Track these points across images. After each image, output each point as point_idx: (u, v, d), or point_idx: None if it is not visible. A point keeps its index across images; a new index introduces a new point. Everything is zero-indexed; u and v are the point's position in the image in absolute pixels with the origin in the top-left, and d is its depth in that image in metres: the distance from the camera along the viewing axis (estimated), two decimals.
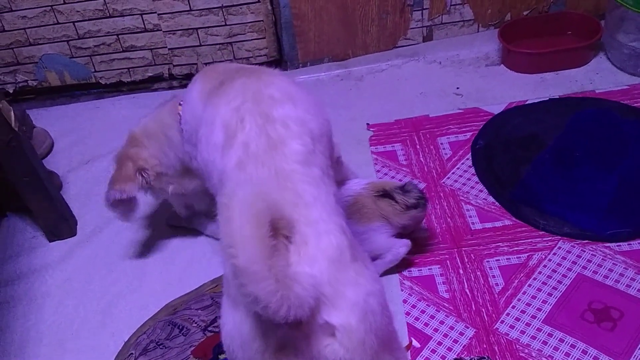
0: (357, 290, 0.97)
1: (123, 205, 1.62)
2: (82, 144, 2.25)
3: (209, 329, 1.56)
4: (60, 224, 1.88)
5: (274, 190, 0.99)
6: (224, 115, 1.12)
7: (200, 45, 2.36)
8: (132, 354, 1.54)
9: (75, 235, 1.91)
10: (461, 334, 1.49)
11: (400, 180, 1.89)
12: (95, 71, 2.44)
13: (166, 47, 2.37)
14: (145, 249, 1.83)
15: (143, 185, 1.61)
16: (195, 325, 1.57)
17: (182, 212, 1.80)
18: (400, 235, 1.60)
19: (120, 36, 2.35)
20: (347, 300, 0.95)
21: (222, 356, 1.48)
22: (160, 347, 1.54)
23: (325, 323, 0.94)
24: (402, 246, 1.58)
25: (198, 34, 2.33)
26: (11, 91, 2.47)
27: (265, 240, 0.84)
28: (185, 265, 1.76)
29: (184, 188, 1.67)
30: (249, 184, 0.89)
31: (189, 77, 2.41)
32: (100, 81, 2.46)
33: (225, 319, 1.02)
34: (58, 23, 2.31)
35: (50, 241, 1.89)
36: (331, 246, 0.98)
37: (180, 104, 1.52)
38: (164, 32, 2.33)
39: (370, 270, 1.04)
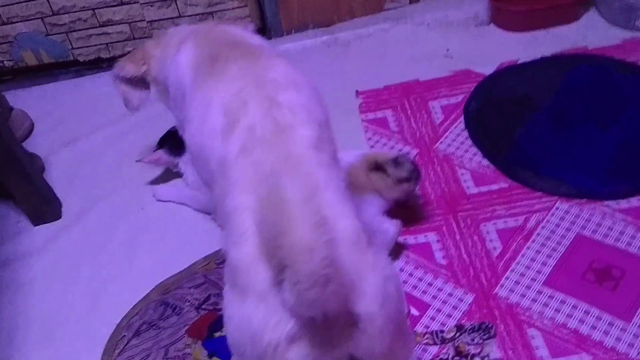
0: (376, 276, 0.92)
1: (126, 87, 1.60)
2: (63, 125, 2.19)
3: (203, 307, 1.52)
4: (44, 207, 1.83)
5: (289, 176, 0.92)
6: (223, 99, 1.07)
7: (180, 16, 2.29)
8: (124, 336, 1.50)
9: (60, 218, 1.85)
10: (460, 300, 1.46)
11: (392, 148, 1.85)
12: (73, 48, 2.36)
13: (144, 19, 2.30)
14: (134, 229, 1.79)
15: (144, 73, 1.55)
16: (189, 304, 1.53)
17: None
18: (393, 205, 1.56)
19: (96, 11, 2.27)
20: (370, 287, 0.91)
21: (217, 334, 1.46)
22: (154, 327, 1.50)
23: (349, 311, 0.89)
24: (392, 225, 1.52)
25: (177, 5, 2.26)
26: None
27: (329, 244, 0.79)
28: (175, 244, 1.72)
29: None
30: (290, 178, 0.83)
31: None
32: (78, 59, 2.39)
33: (232, 312, 0.96)
34: (31, 0, 2.22)
35: (35, 225, 1.84)
36: (349, 229, 0.93)
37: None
38: (141, 4, 2.25)
39: (385, 254, 1.00)
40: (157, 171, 1.93)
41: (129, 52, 1.64)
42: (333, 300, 0.82)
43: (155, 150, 1.84)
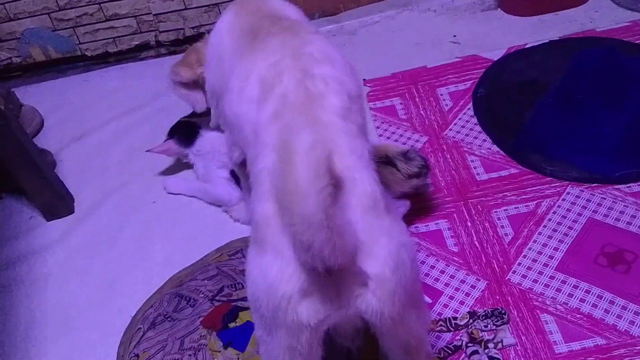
0: (391, 241, 0.95)
1: (185, 90, 1.68)
2: (73, 120, 2.20)
3: (217, 298, 1.53)
4: (56, 202, 1.84)
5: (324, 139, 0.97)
6: (260, 70, 1.11)
7: (186, 8, 2.28)
8: (140, 328, 1.52)
9: (73, 213, 1.87)
10: (473, 287, 1.46)
11: (401, 136, 1.85)
12: (80, 43, 2.36)
13: (151, 13, 2.29)
14: (146, 222, 1.80)
15: (199, 76, 1.62)
16: (203, 295, 1.54)
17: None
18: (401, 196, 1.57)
19: (102, 5, 2.27)
20: (382, 249, 0.94)
21: (231, 325, 1.47)
22: (169, 319, 1.51)
23: (358, 270, 0.92)
24: (401, 206, 1.54)
25: None
26: None
27: (325, 190, 0.82)
28: (187, 236, 1.73)
29: None
30: (304, 131, 0.86)
31: (176, 43, 2.38)
32: (85, 53, 2.39)
33: (252, 267, 1.00)
34: None
35: (48, 221, 1.85)
36: (366, 194, 0.96)
37: None
38: None
39: (403, 225, 1.02)
40: (167, 162, 1.94)
41: (180, 60, 1.70)
42: (332, 250, 0.84)
43: (165, 140, 1.85)
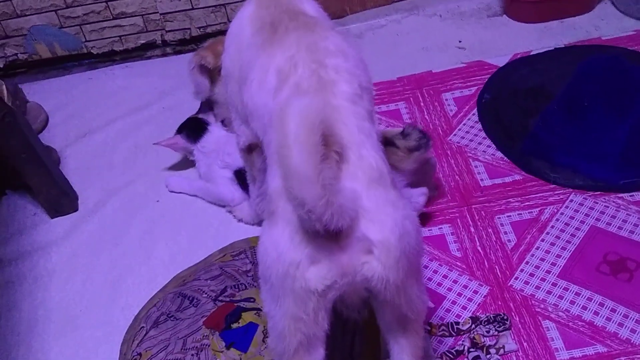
0: (396, 211, 0.99)
1: (202, 76, 1.80)
2: (78, 117, 2.20)
3: (220, 298, 1.54)
4: (61, 199, 1.85)
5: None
6: (278, 63, 1.16)
7: (193, 8, 2.29)
8: (143, 327, 1.52)
9: (77, 210, 1.87)
10: (475, 292, 1.47)
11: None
12: (86, 41, 2.37)
13: (157, 12, 2.30)
14: (150, 220, 1.80)
15: (218, 66, 1.66)
16: (206, 295, 1.55)
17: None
18: (413, 185, 1.58)
19: (109, 3, 2.27)
20: (387, 218, 0.97)
21: (234, 325, 1.47)
22: (172, 319, 1.52)
23: (363, 237, 0.96)
24: (420, 195, 1.55)
25: None
26: (1, 66, 2.40)
27: (317, 147, 0.87)
28: (191, 235, 1.74)
29: None
30: (305, 97, 0.93)
31: (182, 42, 2.38)
32: (92, 51, 2.39)
33: (264, 238, 1.04)
34: None
35: (52, 218, 1.86)
36: (372, 167, 1.01)
37: None
38: None
39: (407, 200, 1.06)
40: (172, 161, 1.95)
41: (205, 46, 1.84)
42: (326, 206, 0.88)
43: (174, 135, 1.87)
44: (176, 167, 1.95)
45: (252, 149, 1.50)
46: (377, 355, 1.35)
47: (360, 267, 0.97)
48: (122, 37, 2.37)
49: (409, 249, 0.99)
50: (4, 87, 1.88)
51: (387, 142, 1.55)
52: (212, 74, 1.89)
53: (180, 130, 1.86)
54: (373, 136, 1.07)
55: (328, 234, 0.93)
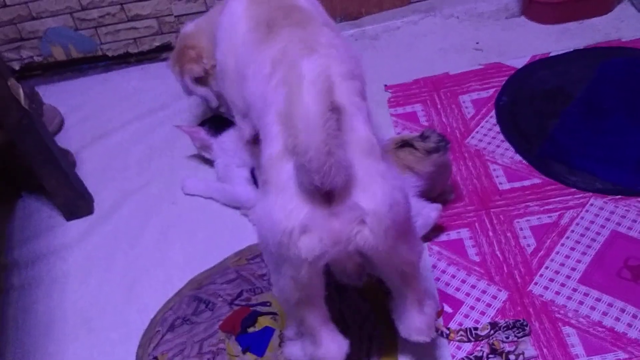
0: (386, 182, 1.03)
1: (199, 86, 1.80)
2: (93, 119, 2.21)
3: (235, 302, 1.53)
4: (77, 202, 1.85)
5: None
6: (272, 55, 1.19)
7: (207, 10, 2.28)
8: (159, 330, 1.52)
9: (92, 213, 1.87)
10: (494, 297, 1.45)
11: None
12: (102, 43, 2.37)
13: (172, 14, 2.30)
14: (166, 223, 1.80)
15: (205, 71, 1.72)
16: (221, 299, 1.54)
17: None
18: (428, 197, 1.56)
19: (124, 5, 2.28)
20: (379, 188, 1.01)
21: (250, 329, 1.46)
22: (187, 322, 1.51)
23: (355, 205, 1.00)
24: (433, 210, 1.53)
25: None
26: (17, 68, 2.41)
27: (327, 94, 0.93)
28: (207, 238, 1.73)
29: None
30: (313, 63, 0.96)
31: None
32: (107, 53, 2.40)
33: (258, 209, 1.08)
34: None
35: (67, 220, 1.86)
36: (362, 138, 1.04)
37: None
38: None
39: (396, 170, 1.11)
40: (189, 160, 1.95)
41: (180, 61, 1.82)
42: (327, 155, 0.92)
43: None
44: (192, 169, 1.94)
45: (256, 140, 1.50)
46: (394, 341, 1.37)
47: (353, 236, 1.02)
48: (137, 39, 2.37)
49: (399, 217, 1.04)
50: (21, 90, 1.88)
51: (405, 144, 1.54)
52: (204, 79, 1.87)
53: (203, 124, 1.87)
54: (364, 111, 1.11)
55: (321, 197, 0.98)
